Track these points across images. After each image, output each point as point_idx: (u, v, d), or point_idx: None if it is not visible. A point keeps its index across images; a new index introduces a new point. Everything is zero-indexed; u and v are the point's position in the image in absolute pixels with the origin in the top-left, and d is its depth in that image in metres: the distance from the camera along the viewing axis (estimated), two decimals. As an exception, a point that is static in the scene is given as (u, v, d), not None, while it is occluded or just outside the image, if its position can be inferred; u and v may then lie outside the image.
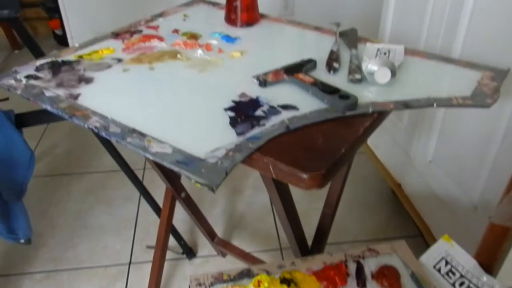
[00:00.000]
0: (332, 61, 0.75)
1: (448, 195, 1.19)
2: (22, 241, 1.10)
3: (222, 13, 0.97)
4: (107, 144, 1.26)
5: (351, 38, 0.84)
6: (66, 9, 2.33)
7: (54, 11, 2.67)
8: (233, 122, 0.62)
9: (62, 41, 2.84)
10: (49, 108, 0.67)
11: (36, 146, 1.93)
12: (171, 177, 1.06)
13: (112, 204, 1.62)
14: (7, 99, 2.20)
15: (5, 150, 1.03)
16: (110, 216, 1.57)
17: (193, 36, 0.89)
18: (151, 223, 1.51)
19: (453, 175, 1.17)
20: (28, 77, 0.75)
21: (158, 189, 1.44)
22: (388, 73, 0.68)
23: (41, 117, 1.10)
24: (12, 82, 0.74)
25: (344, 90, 0.65)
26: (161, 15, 0.99)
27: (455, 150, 1.16)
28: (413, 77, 0.73)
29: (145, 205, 1.48)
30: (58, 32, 2.84)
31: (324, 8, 2.34)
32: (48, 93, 0.70)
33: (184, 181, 1.10)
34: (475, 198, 1.07)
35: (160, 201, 1.31)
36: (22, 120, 1.07)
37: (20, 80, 0.74)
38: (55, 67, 0.78)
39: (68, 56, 0.82)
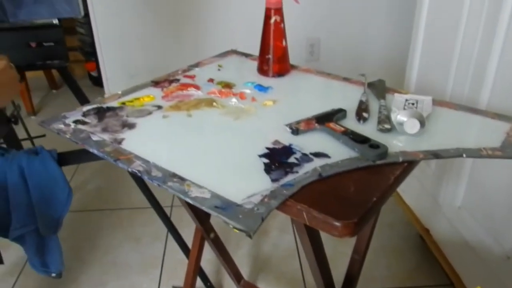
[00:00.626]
0: (362, 111, 0.79)
1: (479, 242, 1.17)
2: (53, 275, 1.14)
3: (254, 64, 1.03)
4: (140, 181, 1.31)
5: (379, 88, 0.88)
6: (103, 53, 2.48)
7: (91, 55, 2.83)
8: (268, 169, 0.65)
9: (97, 82, 2.99)
10: (95, 152, 0.72)
11: (70, 182, 2.00)
12: (201, 217, 1.09)
13: (140, 241, 1.65)
14: (44, 135, 2.31)
15: (47, 186, 1.09)
16: (138, 253, 1.59)
17: (228, 85, 0.94)
18: (178, 262, 1.53)
19: (483, 222, 1.16)
20: (76, 122, 0.81)
21: (186, 227, 1.47)
22: (417, 124, 0.70)
23: (81, 156, 1.16)
24: (62, 126, 0.80)
25: (374, 140, 0.68)
26: (197, 65, 1.05)
27: (485, 196, 1.15)
28: (442, 127, 0.75)
29: (172, 244, 1.50)
30: (94, 73, 3.00)
31: (349, 54, 2.41)
32: (94, 138, 0.75)
33: (213, 221, 1.13)
34: (507, 247, 1.05)
35: (187, 239, 1.33)
36: (64, 159, 1.14)
37: (69, 125, 0.80)
38: (101, 113, 0.84)
39: (112, 102, 0.88)
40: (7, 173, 1.08)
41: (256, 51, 1.10)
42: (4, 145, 1.58)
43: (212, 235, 1.15)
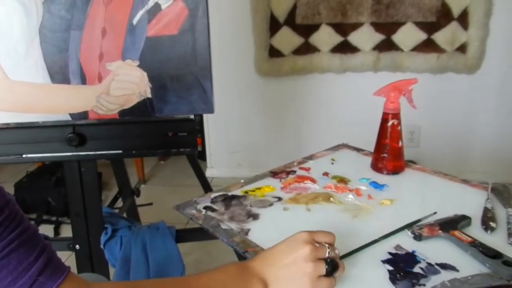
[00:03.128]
0: (488, 219, 0.76)
1: None
2: None
3: (366, 159, 1.06)
4: (243, 258, 1.36)
5: (504, 195, 0.85)
6: (209, 132, 2.71)
7: (198, 132, 3.11)
8: (393, 277, 0.65)
9: (200, 155, 3.24)
10: (225, 241, 0.79)
11: (171, 252, 2.12)
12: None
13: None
14: (151, 204, 2.51)
15: (165, 263, 1.18)
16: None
17: (343, 180, 0.98)
18: None
19: None
20: (206, 208, 0.90)
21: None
22: (556, 242, 0.67)
23: (197, 234, 1.25)
24: (194, 212, 0.89)
25: (507, 256, 0.65)
26: (310, 157, 1.11)
27: None
28: None
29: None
30: (198, 148, 3.27)
31: (451, 143, 2.34)
32: (223, 226, 0.83)
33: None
34: None
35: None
36: (181, 236, 1.24)
37: (200, 211, 0.89)
38: (227, 201, 0.92)
39: (236, 191, 0.97)
40: (132, 246, 1.20)
41: (356, 143, 1.15)
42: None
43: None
